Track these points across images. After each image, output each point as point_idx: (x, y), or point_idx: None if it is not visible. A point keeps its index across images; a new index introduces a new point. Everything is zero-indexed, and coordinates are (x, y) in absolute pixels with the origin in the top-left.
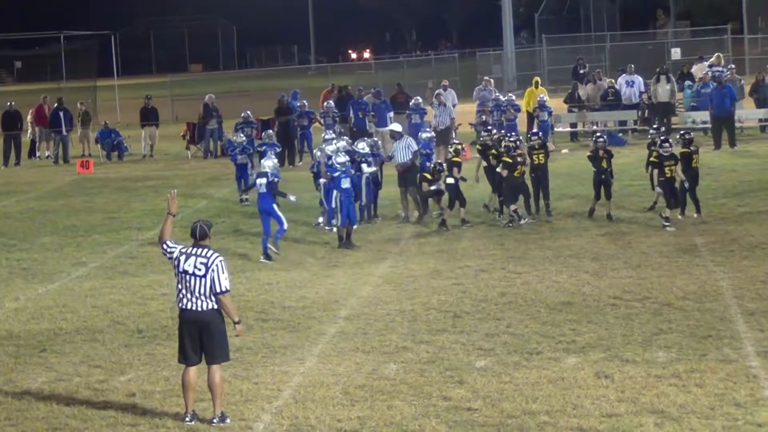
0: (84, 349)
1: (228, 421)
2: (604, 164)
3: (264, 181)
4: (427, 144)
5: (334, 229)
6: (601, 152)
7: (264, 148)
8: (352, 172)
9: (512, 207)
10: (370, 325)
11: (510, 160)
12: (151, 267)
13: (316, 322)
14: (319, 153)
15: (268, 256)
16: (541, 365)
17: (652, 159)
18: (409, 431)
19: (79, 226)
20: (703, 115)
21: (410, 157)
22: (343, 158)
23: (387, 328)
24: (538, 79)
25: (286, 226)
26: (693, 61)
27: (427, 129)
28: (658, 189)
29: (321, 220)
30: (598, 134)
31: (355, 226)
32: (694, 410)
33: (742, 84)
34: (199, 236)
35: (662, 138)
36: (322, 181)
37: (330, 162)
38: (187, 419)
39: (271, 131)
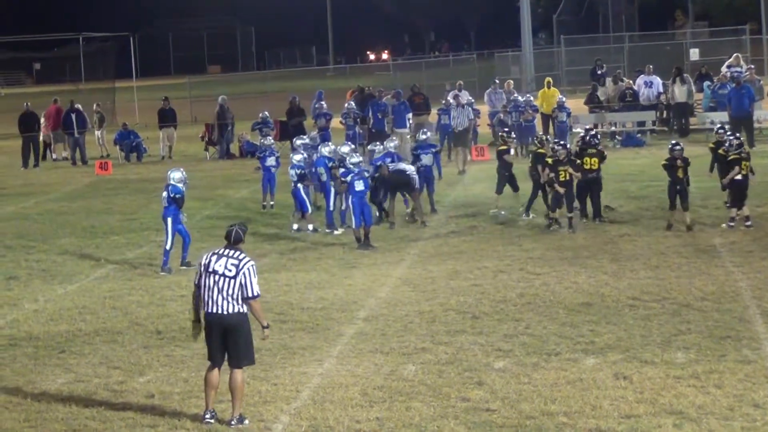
0: (103, 350)
1: (246, 422)
2: (680, 174)
3: (165, 195)
4: (424, 146)
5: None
6: (678, 161)
7: (264, 154)
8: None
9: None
10: (388, 326)
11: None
12: None
13: (334, 323)
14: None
15: (188, 263)
16: (560, 366)
17: (734, 157)
18: None
19: (98, 228)
20: (722, 116)
21: (407, 167)
22: (356, 159)
23: (405, 329)
24: (550, 79)
25: (168, 246)
26: (711, 61)
27: (425, 130)
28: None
29: (296, 226)
30: (674, 142)
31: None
32: (713, 411)
33: (761, 84)
34: (234, 240)
35: (732, 137)
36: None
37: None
38: (207, 416)
39: (315, 133)
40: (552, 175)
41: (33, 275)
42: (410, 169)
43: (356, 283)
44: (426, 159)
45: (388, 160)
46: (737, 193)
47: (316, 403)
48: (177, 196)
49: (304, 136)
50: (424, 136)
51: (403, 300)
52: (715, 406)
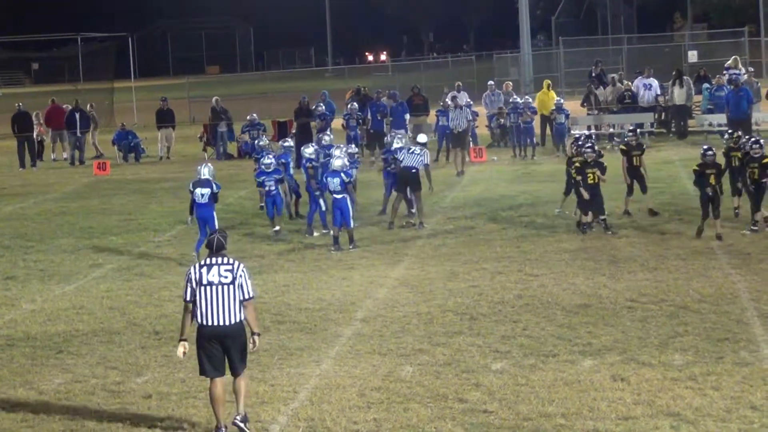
0: (100, 350)
1: (248, 424)
2: (713, 180)
3: (207, 191)
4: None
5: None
6: (709, 168)
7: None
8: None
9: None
10: (386, 327)
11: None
12: (167, 268)
13: (332, 324)
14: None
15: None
16: (558, 368)
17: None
18: None
19: (96, 228)
20: (720, 118)
21: (422, 165)
22: (340, 162)
23: (403, 330)
24: (549, 82)
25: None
26: (710, 63)
27: (400, 137)
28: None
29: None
30: (706, 147)
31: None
32: (710, 413)
33: (759, 86)
34: (216, 248)
35: (753, 140)
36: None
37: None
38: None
39: (289, 142)
40: (580, 178)
41: (31, 275)
42: (418, 166)
43: (354, 284)
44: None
45: (400, 154)
46: (761, 196)
47: (313, 404)
48: (218, 191)
49: (289, 139)
50: (398, 144)
51: (401, 301)
52: (712, 408)
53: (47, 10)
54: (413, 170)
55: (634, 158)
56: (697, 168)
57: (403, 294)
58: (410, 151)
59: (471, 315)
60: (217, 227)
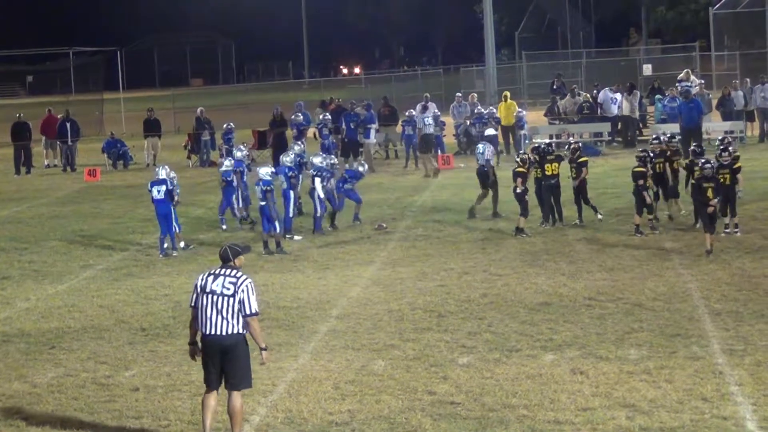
0: (91, 346)
1: None
2: (710, 194)
3: (163, 188)
4: (353, 174)
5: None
6: (706, 182)
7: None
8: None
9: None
10: (359, 324)
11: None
12: (154, 269)
13: (309, 321)
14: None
15: (167, 254)
16: (520, 362)
17: (739, 164)
18: (396, 424)
19: (87, 231)
20: (673, 128)
21: (484, 161)
22: (265, 170)
23: (375, 326)
24: (508, 93)
25: (179, 229)
26: (663, 76)
27: (363, 162)
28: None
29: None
30: (704, 160)
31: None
32: (664, 404)
33: (710, 98)
34: (223, 259)
35: (722, 147)
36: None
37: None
38: None
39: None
40: (642, 182)
41: (25, 275)
42: (488, 163)
43: (329, 283)
44: (348, 185)
45: (476, 155)
46: (733, 201)
47: (291, 396)
48: (173, 188)
49: (243, 147)
50: (362, 168)
51: (374, 299)
52: (665, 400)
53: (41, 26)
54: (484, 168)
55: (675, 163)
56: (694, 182)
57: (375, 293)
58: (478, 151)
59: (439, 312)
60: (176, 223)
